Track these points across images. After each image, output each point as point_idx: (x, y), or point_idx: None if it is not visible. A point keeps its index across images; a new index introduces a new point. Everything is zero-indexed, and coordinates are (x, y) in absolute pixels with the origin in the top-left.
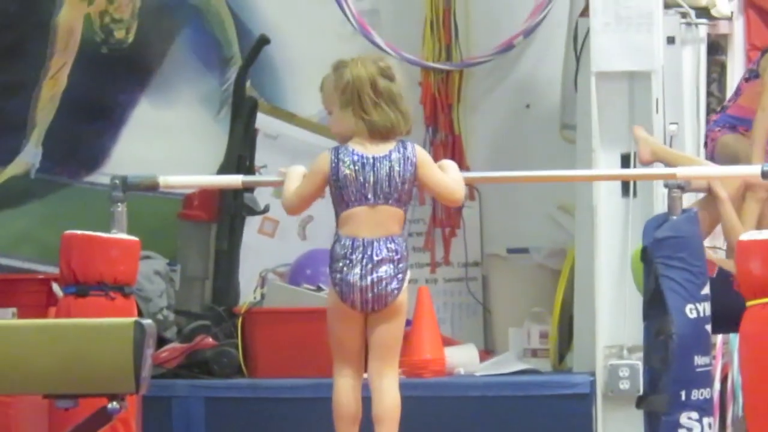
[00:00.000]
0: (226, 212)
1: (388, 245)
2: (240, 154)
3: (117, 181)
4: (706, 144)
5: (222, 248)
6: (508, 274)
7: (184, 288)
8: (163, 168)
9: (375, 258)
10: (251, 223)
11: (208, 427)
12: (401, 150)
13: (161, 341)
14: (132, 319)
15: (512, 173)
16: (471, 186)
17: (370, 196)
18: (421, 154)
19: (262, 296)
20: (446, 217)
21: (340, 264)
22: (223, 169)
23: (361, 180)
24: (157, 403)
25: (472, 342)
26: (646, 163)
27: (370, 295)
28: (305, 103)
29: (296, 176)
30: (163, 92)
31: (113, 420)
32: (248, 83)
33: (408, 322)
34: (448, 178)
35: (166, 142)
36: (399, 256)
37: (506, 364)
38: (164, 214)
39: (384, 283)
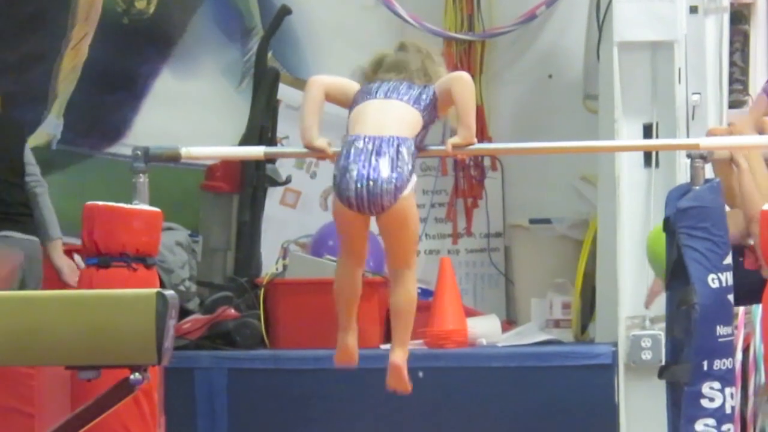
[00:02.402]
0: (248, 183)
1: (392, 144)
2: (262, 125)
3: (139, 152)
4: None
5: (244, 219)
6: (531, 245)
7: (206, 259)
8: (185, 139)
9: (374, 157)
10: (273, 195)
11: (231, 398)
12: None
13: (183, 312)
14: (154, 290)
15: (535, 144)
16: (493, 157)
17: (380, 94)
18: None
19: (284, 267)
20: (468, 188)
21: (341, 163)
22: (245, 141)
23: (375, 87)
24: (180, 375)
25: (495, 313)
26: None
27: (365, 194)
28: (327, 73)
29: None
30: (185, 63)
31: (135, 391)
32: (270, 54)
33: (430, 293)
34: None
35: (188, 113)
36: (400, 158)
37: (528, 334)
38: (186, 185)
39: (381, 182)
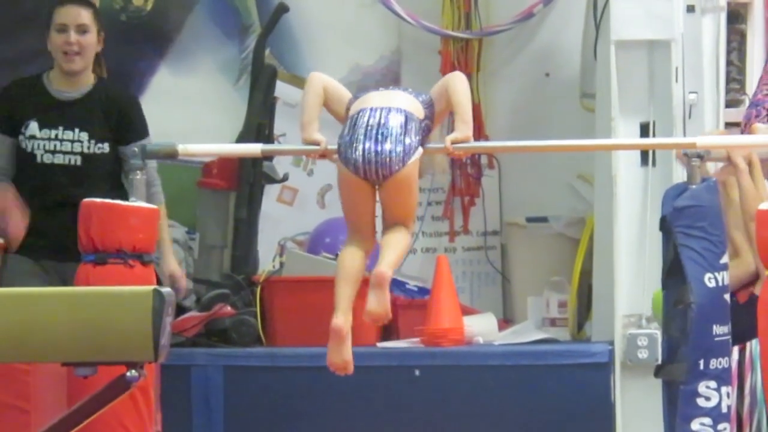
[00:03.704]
0: (245, 181)
1: (400, 112)
2: (259, 123)
3: (136, 149)
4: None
5: (241, 217)
6: (527, 243)
7: (202, 256)
8: (182, 136)
9: (382, 122)
10: (270, 192)
11: (227, 395)
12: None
13: (180, 310)
14: (151, 287)
15: (532, 142)
16: (490, 155)
17: (381, 89)
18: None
19: (281, 265)
20: (465, 186)
21: (345, 130)
22: (242, 138)
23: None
24: (176, 372)
25: (491, 311)
26: None
27: (373, 157)
28: (325, 71)
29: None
30: (183, 60)
31: (132, 388)
32: (267, 51)
33: (426, 291)
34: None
35: (185, 110)
36: (408, 126)
37: (525, 333)
38: (183, 182)
39: (389, 143)
